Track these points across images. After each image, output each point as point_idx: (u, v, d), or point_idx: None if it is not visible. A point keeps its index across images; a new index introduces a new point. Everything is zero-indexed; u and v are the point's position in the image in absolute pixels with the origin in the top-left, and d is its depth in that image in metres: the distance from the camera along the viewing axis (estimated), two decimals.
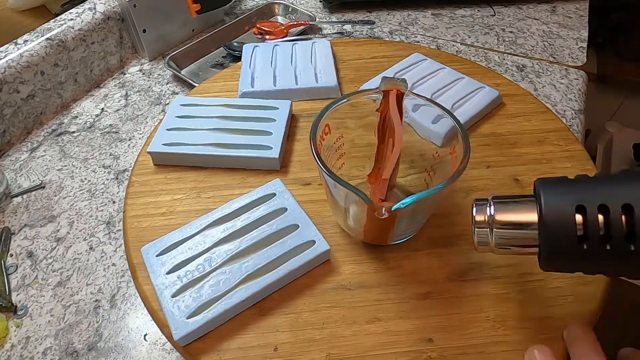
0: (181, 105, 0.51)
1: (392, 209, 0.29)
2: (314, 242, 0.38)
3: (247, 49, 0.61)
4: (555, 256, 0.25)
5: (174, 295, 0.35)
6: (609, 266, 0.24)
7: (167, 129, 0.48)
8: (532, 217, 0.26)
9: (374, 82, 0.54)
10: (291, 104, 0.51)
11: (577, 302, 0.35)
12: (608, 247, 0.22)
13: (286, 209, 0.41)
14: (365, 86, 0.55)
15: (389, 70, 0.56)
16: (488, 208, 0.28)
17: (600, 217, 0.23)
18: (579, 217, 0.23)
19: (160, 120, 0.50)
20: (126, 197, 0.45)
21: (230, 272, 0.37)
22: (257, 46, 0.61)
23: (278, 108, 0.50)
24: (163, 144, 0.47)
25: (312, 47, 0.60)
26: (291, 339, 0.34)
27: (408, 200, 0.30)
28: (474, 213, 0.29)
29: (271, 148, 0.46)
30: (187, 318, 0.34)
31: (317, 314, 0.36)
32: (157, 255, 0.38)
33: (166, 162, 0.47)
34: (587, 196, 0.23)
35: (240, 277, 0.36)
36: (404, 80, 0.37)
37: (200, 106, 0.51)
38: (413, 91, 0.42)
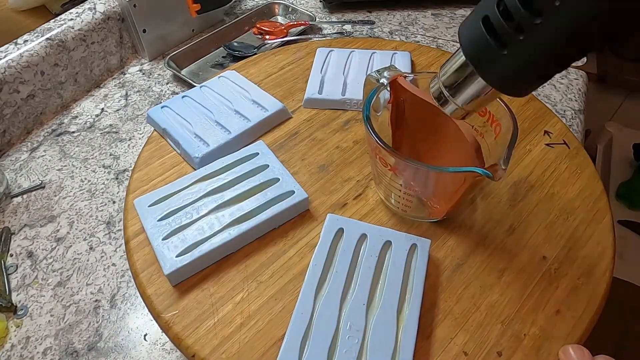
0: (149, 206, 0.41)
1: (503, 166, 0.32)
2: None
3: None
4: (493, 76, 0.27)
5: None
6: (541, 52, 0.24)
7: (163, 239, 0.39)
8: (461, 58, 0.28)
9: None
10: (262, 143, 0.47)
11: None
12: (521, 37, 0.24)
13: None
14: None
15: (313, 70, 0.56)
16: (436, 80, 0.31)
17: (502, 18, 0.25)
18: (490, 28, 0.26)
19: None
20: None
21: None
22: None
23: (258, 153, 0.45)
24: (177, 257, 0.37)
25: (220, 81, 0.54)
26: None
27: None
28: (431, 92, 0.32)
29: (294, 192, 0.42)
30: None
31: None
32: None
33: (188, 275, 0.38)
34: (487, 5, 0.25)
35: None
36: (394, 66, 0.40)
37: (174, 195, 0.42)
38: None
